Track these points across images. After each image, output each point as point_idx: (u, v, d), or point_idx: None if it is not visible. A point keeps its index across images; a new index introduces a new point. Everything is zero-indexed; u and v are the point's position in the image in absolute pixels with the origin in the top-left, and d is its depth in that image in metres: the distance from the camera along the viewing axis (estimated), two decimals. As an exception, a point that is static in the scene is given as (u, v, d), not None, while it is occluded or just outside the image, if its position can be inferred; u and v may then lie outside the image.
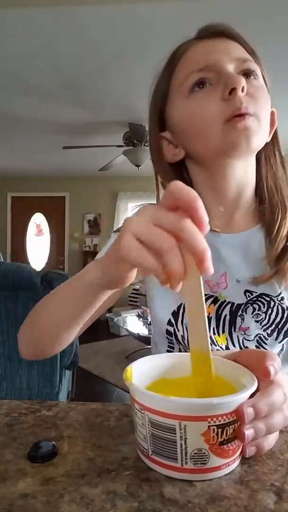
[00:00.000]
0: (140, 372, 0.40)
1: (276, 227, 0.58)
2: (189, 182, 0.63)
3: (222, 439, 0.32)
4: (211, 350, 0.35)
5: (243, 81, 0.49)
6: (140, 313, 4.11)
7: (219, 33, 0.54)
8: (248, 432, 0.32)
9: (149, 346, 3.62)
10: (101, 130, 3.65)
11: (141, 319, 3.94)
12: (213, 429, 0.31)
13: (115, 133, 3.65)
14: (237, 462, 0.34)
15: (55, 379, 1.67)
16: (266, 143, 0.59)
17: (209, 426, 0.31)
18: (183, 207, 0.31)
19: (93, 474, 0.34)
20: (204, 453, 0.32)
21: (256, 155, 0.60)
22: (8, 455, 0.37)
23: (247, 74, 0.53)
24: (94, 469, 0.34)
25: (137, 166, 3.72)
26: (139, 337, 3.51)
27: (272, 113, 0.59)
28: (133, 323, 3.82)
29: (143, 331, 3.51)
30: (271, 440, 0.35)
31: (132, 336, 3.65)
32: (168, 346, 0.66)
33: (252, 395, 0.34)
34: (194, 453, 0.32)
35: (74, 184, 6.12)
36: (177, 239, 0.31)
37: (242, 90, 0.50)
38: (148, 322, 3.70)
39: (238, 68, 0.53)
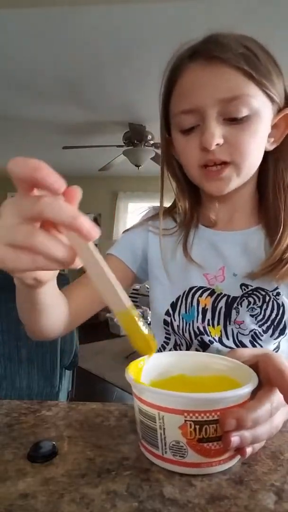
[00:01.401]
0: (156, 365, 0.42)
1: (278, 238, 0.58)
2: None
3: (201, 436, 0.32)
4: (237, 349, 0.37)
5: (215, 141, 0.51)
6: (140, 313, 4.11)
7: (213, 56, 0.51)
8: (234, 439, 0.32)
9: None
10: (101, 130, 3.65)
11: (141, 319, 3.94)
12: (190, 424, 0.32)
13: (115, 133, 3.65)
14: (225, 465, 0.34)
15: (55, 379, 1.66)
16: (276, 147, 0.58)
17: (185, 421, 0.32)
18: (31, 183, 0.28)
19: (93, 474, 0.34)
20: (182, 446, 0.33)
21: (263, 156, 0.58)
22: (8, 455, 0.37)
23: (231, 119, 0.52)
24: (94, 469, 0.34)
25: (137, 166, 3.71)
26: (139, 337, 3.51)
27: (286, 116, 0.56)
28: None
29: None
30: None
31: (132, 336, 3.65)
32: (165, 337, 0.68)
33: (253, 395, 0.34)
34: (173, 445, 0.33)
35: (74, 184, 6.07)
36: (44, 221, 0.29)
37: (217, 144, 0.52)
38: (148, 322, 3.69)
39: (222, 111, 0.51)
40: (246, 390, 0.33)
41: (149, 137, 3.50)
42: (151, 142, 3.55)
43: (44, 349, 1.62)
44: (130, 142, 3.55)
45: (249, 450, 0.34)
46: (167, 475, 0.33)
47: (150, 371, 0.41)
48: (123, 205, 6.10)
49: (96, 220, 6.27)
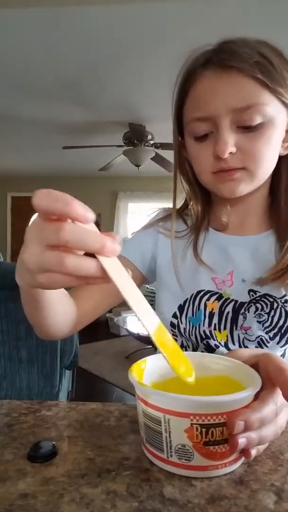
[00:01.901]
0: (157, 366, 0.42)
1: None
2: None
3: (207, 440, 0.32)
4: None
5: (228, 149, 0.52)
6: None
7: (228, 66, 0.51)
8: (241, 441, 0.32)
9: (149, 346, 3.61)
10: (101, 130, 3.65)
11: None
12: (196, 428, 0.32)
13: (115, 133, 3.65)
14: (230, 468, 0.34)
15: (55, 379, 1.66)
16: None
17: (192, 424, 0.32)
18: (62, 216, 0.29)
19: (93, 474, 0.34)
20: (188, 449, 0.32)
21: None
22: (8, 455, 0.37)
23: (244, 127, 0.52)
24: (94, 469, 0.34)
25: (137, 166, 3.71)
26: (139, 337, 3.51)
27: None
28: (133, 323, 3.81)
29: (143, 331, 3.51)
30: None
31: (132, 336, 3.65)
32: None
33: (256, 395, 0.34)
34: (178, 448, 0.33)
35: (74, 184, 6.12)
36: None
37: (230, 152, 0.52)
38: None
39: (235, 119, 0.52)
40: (252, 392, 0.33)
41: (149, 137, 3.50)
42: (151, 142, 3.55)
43: (44, 349, 1.62)
44: (130, 142, 3.55)
45: (253, 452, 0.34)
46: (167, 475, 0.34)
47: (151, 372, 0.41)
48: (123, 205, 6.09)
49: (96, 220, 6.27)
